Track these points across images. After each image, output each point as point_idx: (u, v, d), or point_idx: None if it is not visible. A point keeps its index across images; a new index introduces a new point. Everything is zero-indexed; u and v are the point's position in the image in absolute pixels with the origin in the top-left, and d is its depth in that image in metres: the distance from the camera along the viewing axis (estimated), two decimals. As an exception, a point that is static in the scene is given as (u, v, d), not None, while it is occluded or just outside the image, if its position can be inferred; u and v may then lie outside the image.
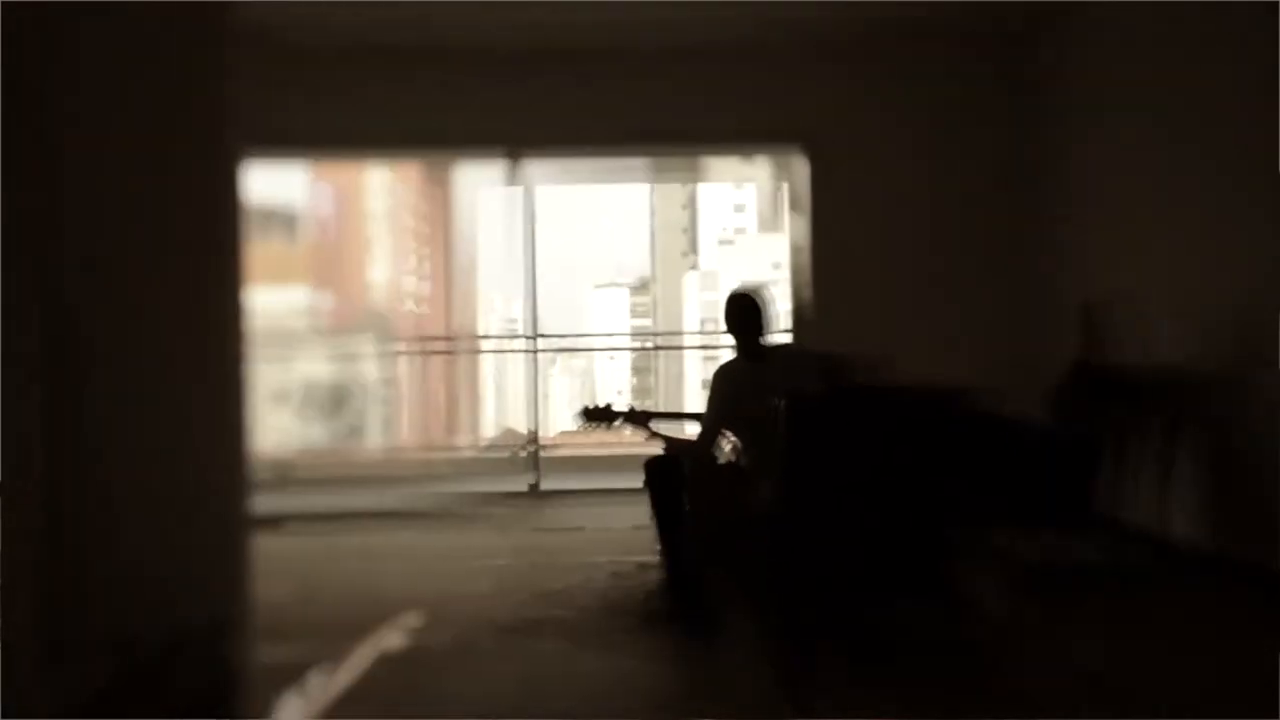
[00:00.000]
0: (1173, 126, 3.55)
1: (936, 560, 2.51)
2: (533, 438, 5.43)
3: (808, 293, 4.93)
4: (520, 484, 5.22)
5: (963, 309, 4.79)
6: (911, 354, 2.80)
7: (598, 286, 22.30)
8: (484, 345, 7.37)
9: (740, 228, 20.02)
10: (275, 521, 4.09)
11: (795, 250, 5.11)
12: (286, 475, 4.86)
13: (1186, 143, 3.45)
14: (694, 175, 11.24)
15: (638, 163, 5.84)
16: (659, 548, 2.94)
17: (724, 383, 3.01)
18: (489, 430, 6.50)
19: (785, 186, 5.26)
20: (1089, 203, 4.28)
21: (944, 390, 2.60)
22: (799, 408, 2.54)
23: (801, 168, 4.97)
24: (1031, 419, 2.94)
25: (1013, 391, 2.81)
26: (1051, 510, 2.70)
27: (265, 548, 2.70)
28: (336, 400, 6.07)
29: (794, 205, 5.09)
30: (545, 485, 5.26)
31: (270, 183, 5.04)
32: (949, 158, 4.85)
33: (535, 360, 5.55)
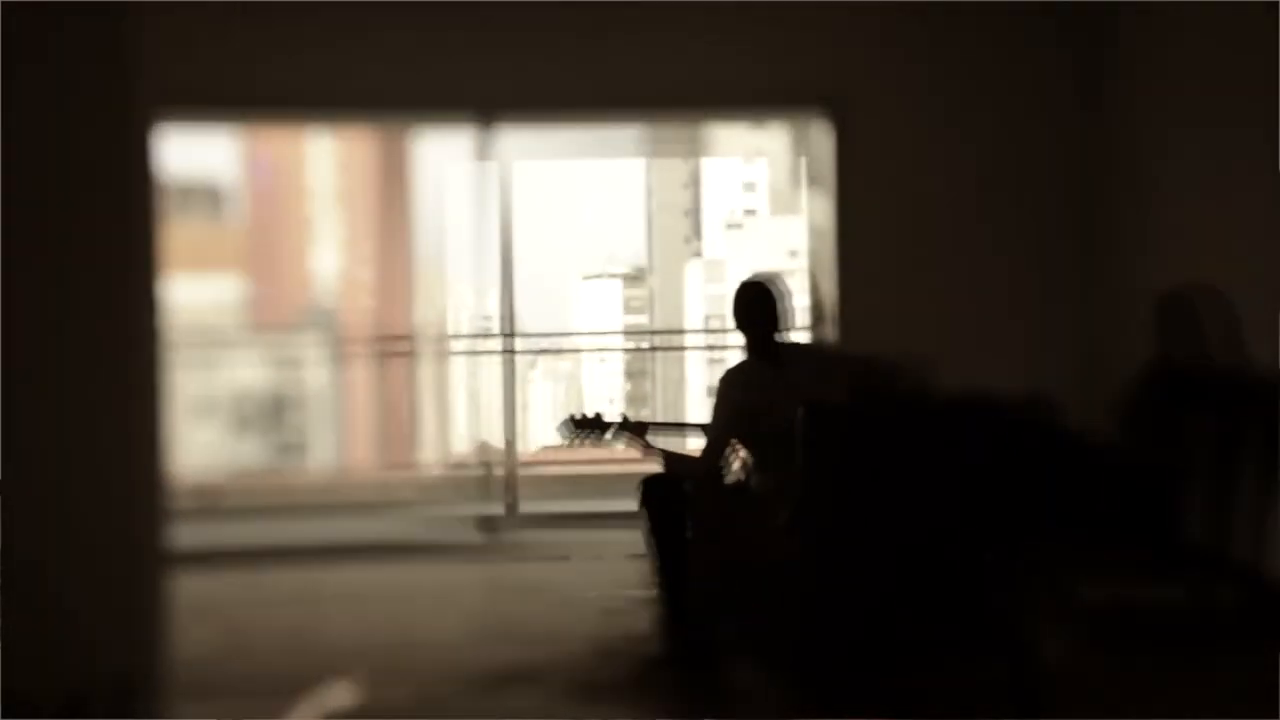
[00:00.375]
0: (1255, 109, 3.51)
1: (991, 604, 2.45)
2: (509, 453, 5.38)
3: (831, 284, 4.85)
4: (494, 507, 5.17)
5: (1015, 305, 4.68)
6: (956, 357, 2.75)
7: (586, 277, 22.36)
8: (452, 346, 7.31)
9: (750, 209, 20.04)
10: (198, 558, 4.02)
11: (816, 234, 5.03)
12: (212, 503, 4.81)
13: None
14: (697, 149, 11.18)
15: (632, 134, 5.75)
16: (657, 581, 2.90)
17: (733, 388, 2.99)
18: (458, 446, 6.45)
19: (804, 161, 5.19)
20: (1163, 187, 4.21)
21: (997, 400, 2.54)
22: (822, 419, 2.49)
23: (824, 137, 4.88)
24: (1105, 434, 2.88)
25: (1079, 402, 2.74)
26: (1132, 543, 2.63)
27: (186, 589, 2.64)
28: (273, 412, 6.01)
29: (815, 182, 5.01)
30: (524, 509, 5.23)
31: (191, 152, 4.95)
32: (1000, 130, 4.72)
33: (513, 363, 5.50)
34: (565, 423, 3.18)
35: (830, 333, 4.78)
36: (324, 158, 7.06)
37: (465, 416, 5.54)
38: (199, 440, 5.55)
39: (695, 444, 3.18)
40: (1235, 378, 2.97)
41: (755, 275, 3.08)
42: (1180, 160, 4.07)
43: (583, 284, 22.13)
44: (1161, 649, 2.64)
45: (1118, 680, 2.51)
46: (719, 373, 3.18)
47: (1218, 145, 3.76)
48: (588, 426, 3.15)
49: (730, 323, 3.05)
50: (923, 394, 2.76)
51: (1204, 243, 3.83)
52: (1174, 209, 4.10)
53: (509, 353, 5.46)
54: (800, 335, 4.56)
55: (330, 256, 7.16)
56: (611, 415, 3.22)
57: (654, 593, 2.92)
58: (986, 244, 4.73)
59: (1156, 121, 4.25)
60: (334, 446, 6.26)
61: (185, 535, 2.66)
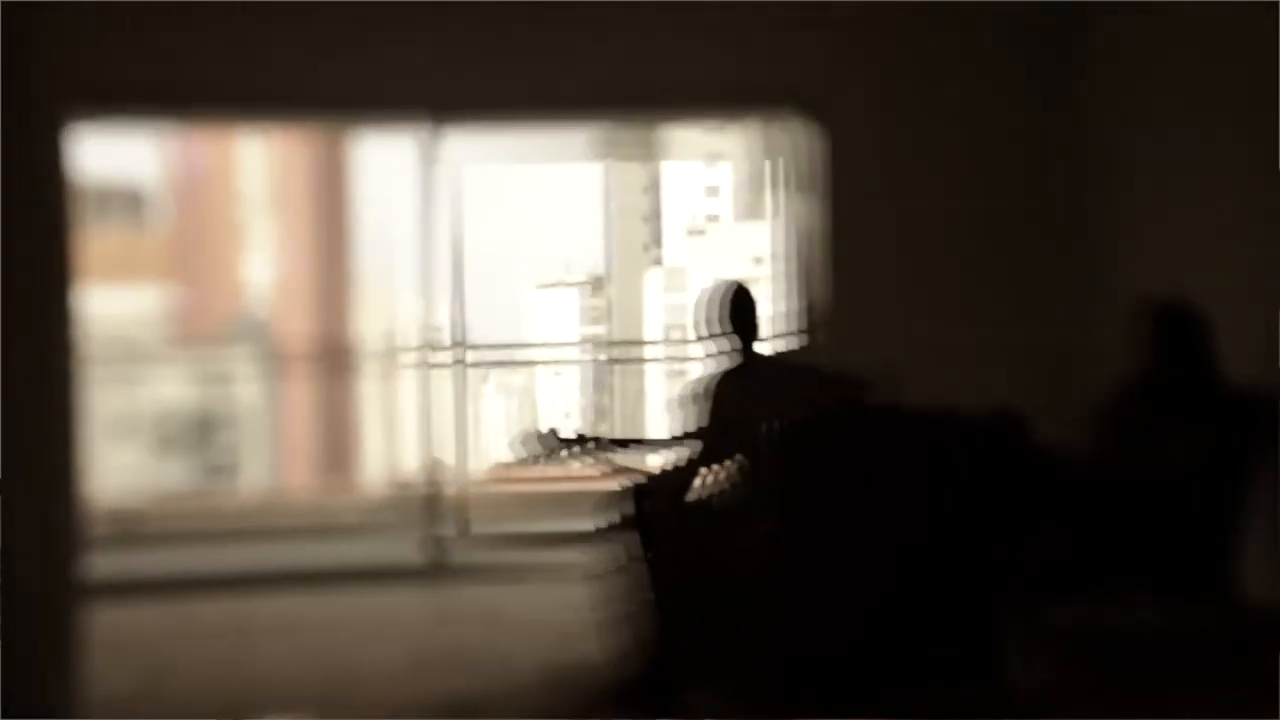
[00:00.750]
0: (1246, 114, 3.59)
1: (982, 636, 2.46)
2: (460, 472, 5.31)
3: (808, 291, 4.78)
4: (444, 529, 5.05)
5: (1010, 316, 4.61)
6: (932, 366, 2.75)
7: (541, 286, 22.17)
8: (398, 359, 7.20)
9: (713, 214, 20.03)
10: (117, 589, 3.88)
11: (786, 240, 5.02)
12: (134, 529, 4.69)
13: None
14: (657, 152, 11.19)
15: (589, 136, 5.70)
16: (638, 596, 2.85)
17: (724, 395, 2.96)
18: (404, 464, 6.35)
19: (768, 164, 5.20)
20: (1154, 190, 4.27)
21: (988, 417, 2.53)
22: (798, 434, 2.49)
23: (790, 139, 4.89)
24: (1081, 448, 2.89)
25: (1061, 413, 2.77)
26: (1110, 562, 2.65)
27: (103, 623, 2.54)
28: (201, 431, 5.86)
29: (791, 185, 5.01)
30: (475, 530, 5.15)
31: (111, 154, 4.80)
32: (981, 132, 4.62)
33: (464, 376, 5.43)
34: (545, 436, 3.14)
35: (807, 342, 4.76)
36: (256, 160, 6.90)
37: (413, 433, 5.45)
38: (119, 462, 5.39)
39: (655, 460, 3.16)
40: (1215, 390, 3.02)
41: (739, 282, 3.08)
42: (1167, 164, 4.14)
43: (537, 293, 21.95)
44: (1137, 672, 2.66)
45: (1092, 706, 2.53)
46: (679, 385, 3.21)
47: (1204, 150, 3.82)
48: (569, 442, 3.13)
49: (692, 334, 3.05)
50: (891, 408, 2.77)
51: (1190, 250, 3.89)
52: (1161, 213, 4.15)
53: (460, 365, 5.40)
54: (768, 345, 4.55)
55: (263, 265, 6.98)
56: (567, 431, 3.18)
57: (632, 609, 2.88)
58: (967, 249, 4.72)
59: (1145, 125, 4.30)
60: (268, 467, 6.12)
61: (103, 564, 2.56)
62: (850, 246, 4.70)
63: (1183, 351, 3.02)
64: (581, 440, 3.13)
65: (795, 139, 4.82)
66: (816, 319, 4.71)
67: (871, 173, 4.69)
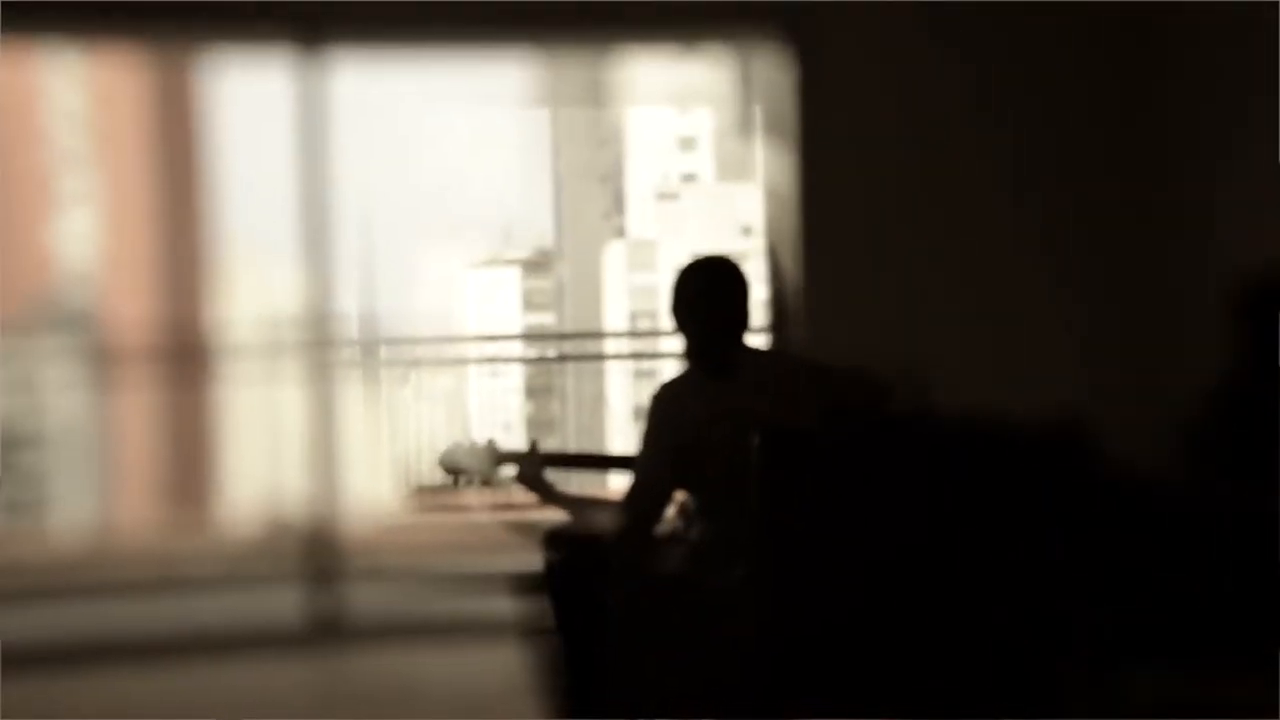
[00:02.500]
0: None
1: (998, 690, 2.43)
2: (365, 502, 5.26)
3: (795, 268, 4.80)
4: (339, 579, 4.94)
5: (1042, 296, 4.68)
6: (962, 365, 2.71)
7: (473, 265, 22.30)
8: (278, 356, 7.07)
9: (690, 174, 20.23)
10: None
11: (776, 203, 5.00)
12: None
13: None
14: (616, 94, 11.18)
15: (531, 75, 5.65)
16: (563, 667, 2.83)
17: (669, 409, 2.96)
18: (285, 495, 6.25)
19: (757, 109, 5.20)
20: (1237, 146, 4.25)
21: (1013, 425, 2.53)
22: (784, 449, 2.46)
23: (781, 73, 4.85)
24: (1163, 470, 2.89)
25: (1130, 426, 2.73)
26: (1200, 619, 2.63)
27: None
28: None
29: (773, 132, 4.99)
30: (382, 578, 5.14)
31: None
32: (1020, 58, 4.65)
33: (375, 378, 5.38)
34: (478, 451, 3.16)
35: (796, 335, 4.75)
36: (71, 90, 6.69)
37: (298, 454, 5.35)
38: None
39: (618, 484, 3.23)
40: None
41: (707, 256, 3.07)
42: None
43: (469, 274, 22.06)
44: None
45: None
46: (649, 388, 3.19)
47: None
48: (509, 458, 3.14)
49: (666, 323, 3.08)
50: (916, 416, 2.80)
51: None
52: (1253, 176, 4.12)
53: (369, 364, 5.34)
54: (757, 338, 4.55)
55: (84, 229, 6.81)
56: (507, 444, 3.19)
57: (557, 683, 2.85)
58: (1006, 215, 4.73)
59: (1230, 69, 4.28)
60: (93, 501, 6.02)
61: None
62: (860, 210, 4.68)
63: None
64: (525, 456, 3.12)
65: (787, 72, 4.78)
66: (812, 304, 4.71)
67: (884, 114, 4.66)
